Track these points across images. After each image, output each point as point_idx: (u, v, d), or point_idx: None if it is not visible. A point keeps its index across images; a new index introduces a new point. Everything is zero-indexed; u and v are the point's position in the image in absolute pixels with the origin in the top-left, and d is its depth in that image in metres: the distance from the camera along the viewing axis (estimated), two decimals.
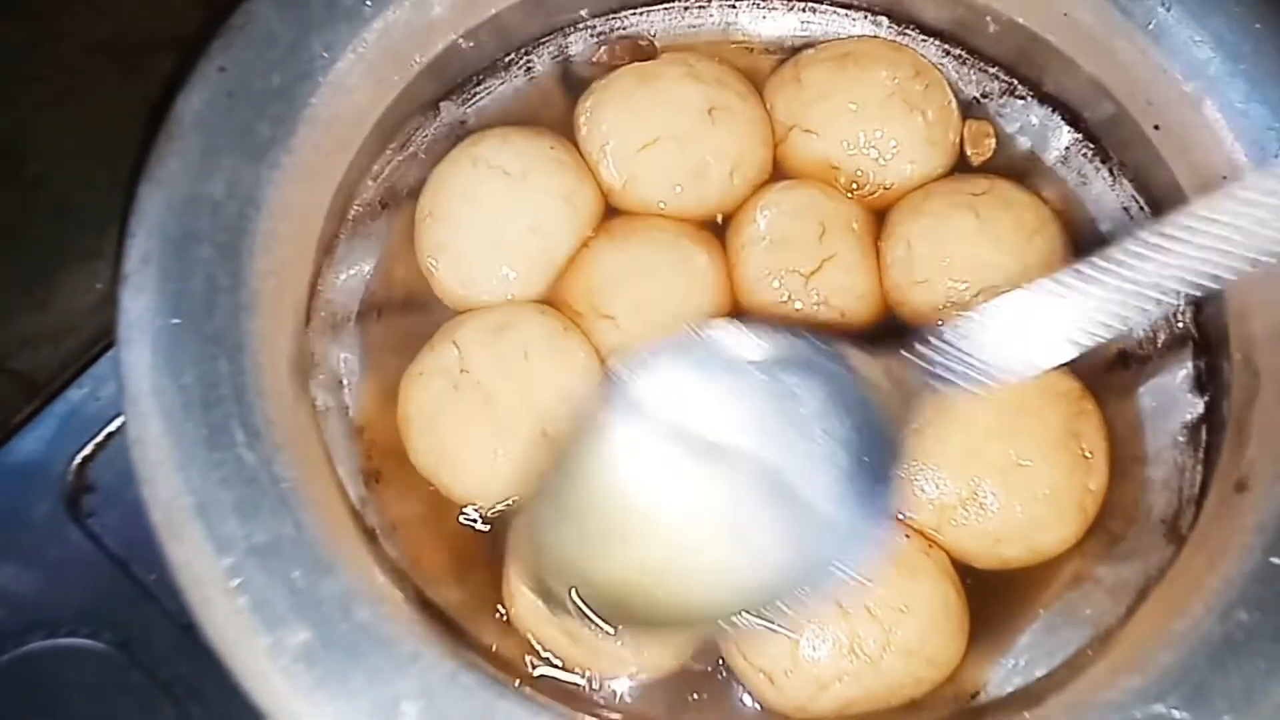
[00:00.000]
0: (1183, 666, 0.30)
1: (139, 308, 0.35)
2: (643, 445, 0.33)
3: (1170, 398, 0.44)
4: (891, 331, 0.48)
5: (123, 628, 0.52)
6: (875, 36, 0.53)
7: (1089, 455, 0.43)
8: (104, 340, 0.56)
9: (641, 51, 0.54)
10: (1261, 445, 0.36)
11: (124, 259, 0.36)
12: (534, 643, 0.40)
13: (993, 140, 0.51)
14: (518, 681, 0.34)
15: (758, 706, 0.41)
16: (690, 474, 0.33)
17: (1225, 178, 0.40)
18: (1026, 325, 0.33)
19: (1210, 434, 0.42)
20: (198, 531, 0.32)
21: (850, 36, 0.54)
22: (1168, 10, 0.42)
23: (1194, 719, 0.29)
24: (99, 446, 0.55)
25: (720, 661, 0.41)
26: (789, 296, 0.47)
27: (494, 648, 0.39)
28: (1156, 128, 0.44)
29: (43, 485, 0.55)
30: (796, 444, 0.33)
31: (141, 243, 0.37)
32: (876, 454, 0.33)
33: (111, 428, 0.55)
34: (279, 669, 0.30)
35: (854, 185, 0.51)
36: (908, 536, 0.42)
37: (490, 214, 0.47)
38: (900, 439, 0.34)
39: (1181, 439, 0.43)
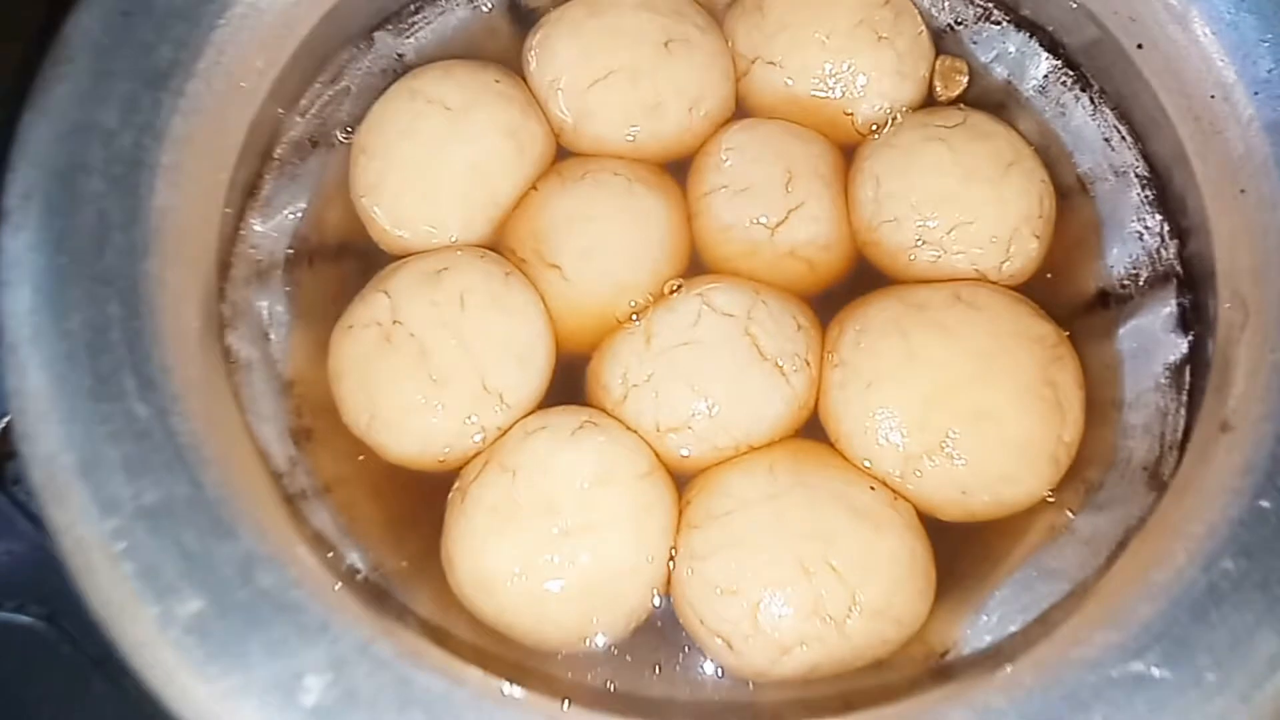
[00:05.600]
0: (1163, 620, 0.28)
1: (19, 246, 0.32)
2: None
3: (1152, 338, 0.42)
4: (863, 278, 0.46)
5: (51, 600, 0.50)
6: None
7: (1064, 404, 0.40)
8: None
9: None
10: (1249, 382, 0.33)
11: (3, 194, 0.33)
12: (474, 610, 0.38)
13: (964, 77, 0.49)
14: (445, 650, 0.31)
15: (719, 673, 0.39)
16: None
17: (1214, 97, 0.37)
18: None
19: (1194, 375, 0.40)
20: (81, 491, 0.29)
21: None
22: None
23: (1174, 678, 0.27)
24: None
25: (679, 631, 0.39)
26: (753, 249, 0.45)
27: (428, 618, 0.37)
28: (1140, 46, 0.41)
29: None
30: None
31: (24, 176, 0.33)
32: None
33: None
34: (168, 641, 0.27)
35: (820, 120, 0.48)
36: (872, 488, 0.39)
37: (429, 151, 0.45)
38: None
39: (1164, 381, 0.41)
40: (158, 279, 0.33)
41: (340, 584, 0.31)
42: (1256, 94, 0.36)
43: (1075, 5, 0.43)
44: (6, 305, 0.31)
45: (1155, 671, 0.27)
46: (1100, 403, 0.41)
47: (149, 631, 0.28)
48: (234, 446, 0.34)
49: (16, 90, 0.35)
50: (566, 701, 0.31)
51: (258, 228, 0.43)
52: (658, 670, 0.39)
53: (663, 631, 0.39)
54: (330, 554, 0.35)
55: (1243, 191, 0.36)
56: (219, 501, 0.30)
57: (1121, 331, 0.43)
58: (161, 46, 0.36)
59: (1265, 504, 0.29)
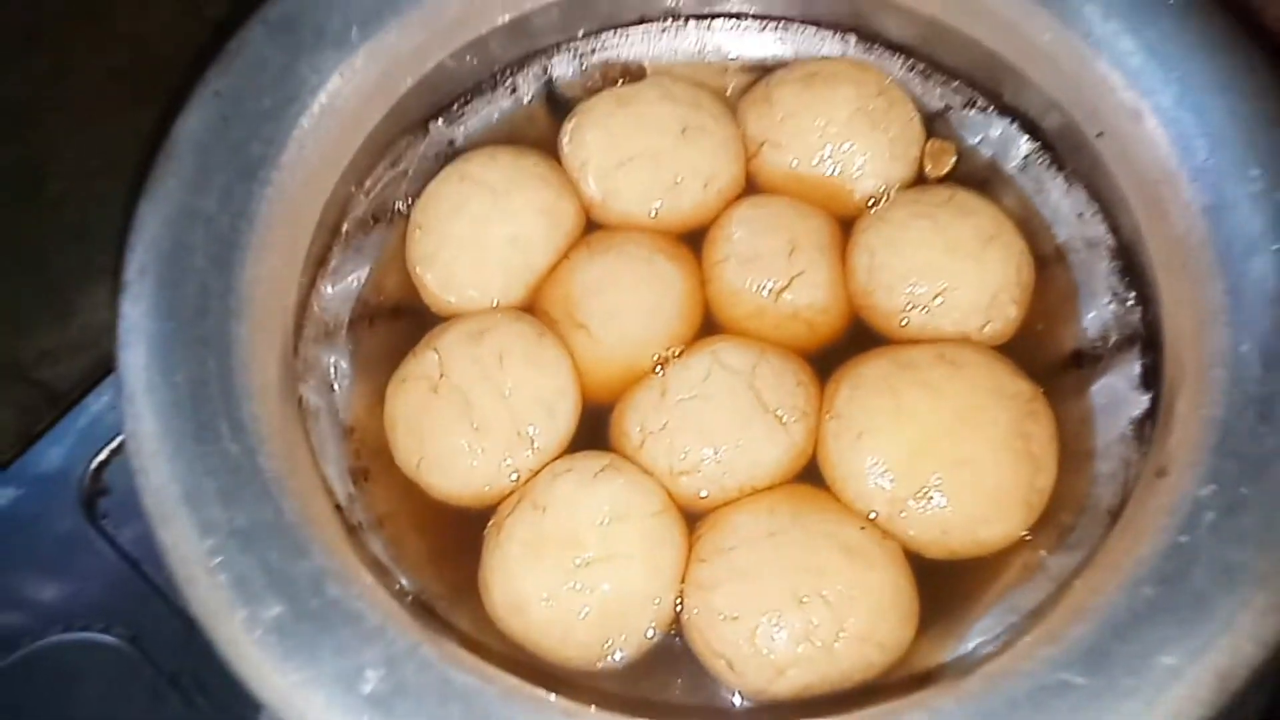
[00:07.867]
0: (1091, 637, 0.32)
1: (137, 313, 0.38)
2: None
3: (1119, 395, 0.45)
4: (858, 338, 0.50)
5: (134, 623, 0.55)
6: (843, 56, 0.55)
7: (1037, 454, 0.44)
8: None
9: (632, 75, 0.56)
10: (1182, 432, 0.37)
11: (124, 269, 0.39)
12: (506, 631, 0.43)
13: (952, 158, 0.53)
14: (480, 658, 0.36)
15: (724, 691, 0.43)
16: None
17: (1160, 182, 0.42)
18: None
19: (1154, 428, 0.43)
20: (184, 516, 0.35)
21: (819, 56, 0.56)
22: (1106, 22, 0.44)
23: (1090, 683, 0.31)
24: (114, 452, 0.59)
25: (688, 651, 0.43)
26: (759, 311, 0.50)
27: (466, 634, 0.42)
28: (1100, 135, 0.45)
29: (62, 489, 0.58)
30: None
31: (140, 255, 0.40)
32: None
33: None
34: (253, 639, 0.33)
35: (821, 196, 0.53)
36: (862, 528, 0.44)
37: (476, 227, 0.50)
38: None
39: (1129, 433, 0.44)
40: (247, 340, 0.39)
41: (391, 598, 0.37)
42: (1194, 181, 0.40)
43: (1045, 96, 0.48)
44: (126, 361, 0.38)
45: (1077, 680, 0.31)
46: (1076, 453, 0.45)
47: (238, 632, 0.33)
48: (307, 482, 0.39)
49: (135, 183, 0.42)
50: (592, 706, 0.35)
51: (327, 293, 0.49)
52: (670, 687, 0.43)
53: (673, 652, 0.43)
54: (388, 579, 0.40)
55: (1184, 266, 0.40)
56: (296, 526, 0.35)
57: (1094, 389, 0.46)
58: (253, 143, 0.42)
59: (1183, 539, 0.33)
